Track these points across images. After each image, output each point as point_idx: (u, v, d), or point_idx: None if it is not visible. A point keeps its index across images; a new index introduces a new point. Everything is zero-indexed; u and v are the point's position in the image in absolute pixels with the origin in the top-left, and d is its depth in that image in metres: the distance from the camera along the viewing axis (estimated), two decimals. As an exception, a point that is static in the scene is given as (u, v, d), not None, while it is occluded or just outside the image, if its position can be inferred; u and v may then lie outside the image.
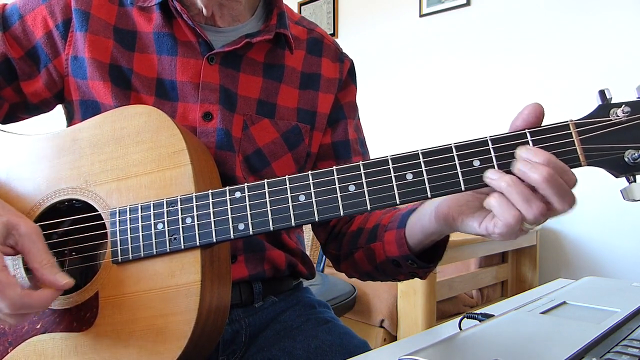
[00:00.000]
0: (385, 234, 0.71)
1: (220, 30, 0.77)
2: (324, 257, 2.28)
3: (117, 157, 0.61)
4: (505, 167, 0.50)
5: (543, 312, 0.57)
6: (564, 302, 0.61)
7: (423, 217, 0.65)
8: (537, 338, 0.48)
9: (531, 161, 0.48)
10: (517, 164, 0.49)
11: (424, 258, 0.69)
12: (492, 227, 0.52)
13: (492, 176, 0.50)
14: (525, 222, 0.50)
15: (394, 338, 1.97)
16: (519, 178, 0.49)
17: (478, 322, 0.61)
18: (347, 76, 0.87)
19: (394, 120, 2.98)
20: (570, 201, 0.49)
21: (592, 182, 2.00)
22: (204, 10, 0.73)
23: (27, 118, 0.79)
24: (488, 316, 0.62)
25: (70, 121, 0.77)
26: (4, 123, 0.77)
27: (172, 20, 0.73)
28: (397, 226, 0.70)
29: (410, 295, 1.88)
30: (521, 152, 0.49)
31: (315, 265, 1.81)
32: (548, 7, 2.40)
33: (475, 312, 0.65)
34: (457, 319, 0.67)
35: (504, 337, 0.50)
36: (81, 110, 0.72)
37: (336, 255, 0.84)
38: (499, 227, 0.51)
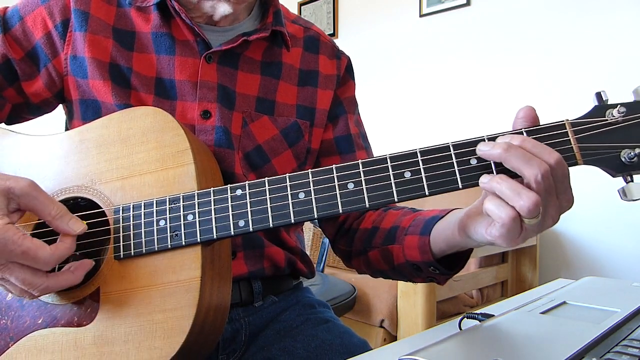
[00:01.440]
0: (406, 237, 0.70)
1: (217, 29, 0.78)
2: (324, 257, 2.28)
3: (123, 157, 0.62)
4: (502, 165, 0.50)
5: (543, 312, 0.57)
6: (564, 302, 0.61)
7: (447, 228, 0.63)
8: (537, 338, 0.48)
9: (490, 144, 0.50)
10: (478, 146, 0.50)
11: (445, 264, 0.68)
12: (494, 232, 0.51)
13: (484, 180, 0.50)
14: (523, 217, 0.48)
15: (394, 338, 1.97)
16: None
17: (478, 322, 0.61)
18: (345, 72, 0.88)
19: (393, 120, 2.99)
20: (538, 165, 0.47)
21: (592, 182, 2.01)
22: (227, 10, 0.73)
23: (31, 118, 0.80)
24: (488, 316, 0.61)
25: (71, 121, 0.77)
26: (9, 124, 0.78)
27: (170, 20, 0.74)
28: (420, 232, 0.68)
29: (410, 295, 1.88)
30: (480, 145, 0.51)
31: (315, 265, 1.81)
32: (548, 7, 2.40)
33: (475, 312, 0.65)
34: (457, 319, 0.67)
35: (504, 337, 0.50)
36: (81, 109, 0.73)
37: (347, 252, 0.84)
38: (497, 229, 0.50)
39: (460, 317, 0.67)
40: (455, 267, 0.69)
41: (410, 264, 0.70)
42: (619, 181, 0.51)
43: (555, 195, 0.49)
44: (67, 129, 0.81)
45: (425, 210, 0.73)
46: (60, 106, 0.80)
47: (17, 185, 0.54)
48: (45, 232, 0.60)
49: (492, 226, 0.51)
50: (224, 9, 0.73)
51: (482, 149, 0.50)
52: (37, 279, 0.54)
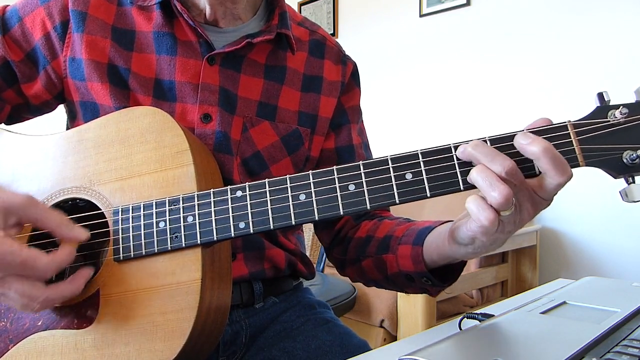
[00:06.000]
0: (399, 247, 0.70)
1: (221, 30, 0.76)
2: (324, 257, 2.28)
3: (122, 157, 0.62)
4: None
5: (543, 312, 0.57)
6: (564, 302, 0.61)
7: (438, 238, 0.64)
8: (537, 338, 0.48)
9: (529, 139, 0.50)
10: (517, 138, 0.50)
11: (438, 276, 0.68)
12: (474, 227, 0.52)
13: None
14: (496, 209, 0.49)
15: (394, 338, 1.98)
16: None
17: (478, 322, 0.61)
18: (350, 79, 0.86)
19: (394, 120, 2.99)
20: (567, 171, 0.49)
21: (592, 182, 2.01)
22: (207, 10, 0.73)
23: (31, 118, 0.79)
24: (488, 316, 0.61)
25: (73, 121, 0.76)
26: (8, 123, 0.78)
27: (173, 19, 0.73)
28: (412, 242, 0.68)
29: (410, 295, 1.88)
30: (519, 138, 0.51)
31: (315, 266, 1.81)
32: (548, 7, 2.40)
33: (475, 312, 0.65)
34: (457, 319, 0.67)
35: (504, 337, 0.50)
36: (82, 110, 0.72)
37: (341, 260, 0.83)
38: (475, 227, 0.51)
39: (460, 317, 0.67)
40: (448, 280, 0.69)
41: (404, 274, 0.70)
42: (619, 182, 0.50)
43: (526, 189, 0.51)
44: (68, 128, 0.80)
45: (420, 221, 0.72)
46: (61, 105, 0.80)
47: (16, 199, 0.54)
48: (38, 245, 0.60)
49: (472, 221, 0.52)
50: (203, 4, 0.73)
51: (521, 142, 0.50)
52: (37, 291, 0.53)
